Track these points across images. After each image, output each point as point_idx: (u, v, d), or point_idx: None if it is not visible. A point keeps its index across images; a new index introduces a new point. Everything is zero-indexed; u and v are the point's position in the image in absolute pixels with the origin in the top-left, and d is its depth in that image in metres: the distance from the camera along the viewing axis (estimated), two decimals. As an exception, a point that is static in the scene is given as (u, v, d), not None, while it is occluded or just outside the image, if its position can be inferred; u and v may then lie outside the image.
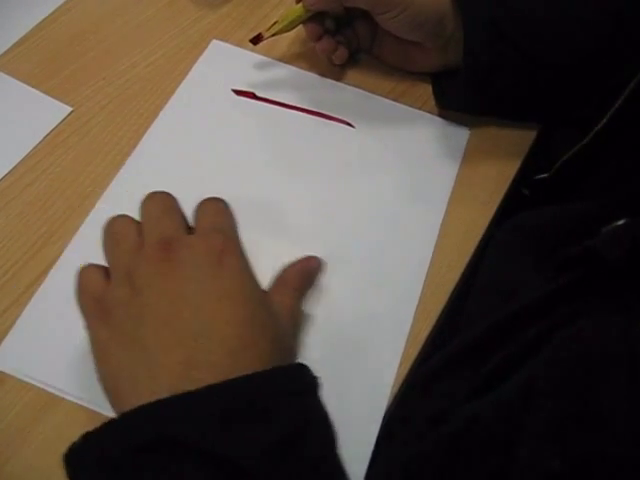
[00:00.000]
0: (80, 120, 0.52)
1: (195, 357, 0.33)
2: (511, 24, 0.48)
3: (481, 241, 0.49)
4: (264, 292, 0.38)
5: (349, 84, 0.56)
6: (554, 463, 0.31)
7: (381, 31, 0.53)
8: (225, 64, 0.56)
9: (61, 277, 0.45)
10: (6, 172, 0.49)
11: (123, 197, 0.48)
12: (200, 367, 0.32)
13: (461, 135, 0.53)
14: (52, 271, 0.45)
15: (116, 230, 0.38)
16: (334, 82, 0.56)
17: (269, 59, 0.57)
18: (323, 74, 0.56)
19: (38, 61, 0.55)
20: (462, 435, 0.37)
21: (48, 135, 0.51)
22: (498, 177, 0.52)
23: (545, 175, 0.54)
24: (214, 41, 0.58)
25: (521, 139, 0.54)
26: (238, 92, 0.54)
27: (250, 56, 0.57)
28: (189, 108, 0.53)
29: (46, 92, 0.53)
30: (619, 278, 0.37)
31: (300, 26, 0.53)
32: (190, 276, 0.35)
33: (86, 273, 0.37)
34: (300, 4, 0.51)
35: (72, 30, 0.57)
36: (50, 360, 0.41)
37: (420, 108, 0.55)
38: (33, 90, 0.53)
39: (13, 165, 0.49)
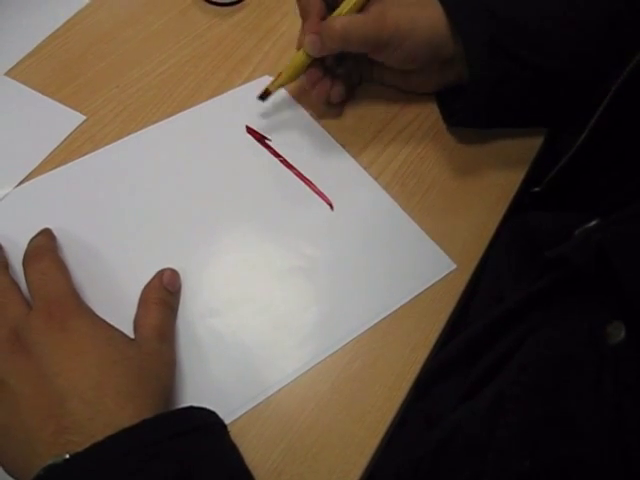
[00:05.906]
0: (94, 128, 0.53)
1: (63, 422, 0.34)
2: (510, 38, 0.48)
3: (489, 245, 0.50)
4: (119, 334, 0.39)
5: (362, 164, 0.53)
6: (524, 464, 0.32)
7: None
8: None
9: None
10: (21, 180, 0.49)
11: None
12: (69, 429, 0.34)
13: (445, 266, 0.48)
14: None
15: None
16: (352, 160, 0.53)
17: (307, 114, 0.55)
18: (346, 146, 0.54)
19: (52, 70, 0.56)
20: (448, 441, 0.38)
21: (62, 143, 0.52)
22: (505, 183, 0.53)
23: (538, 189, 0.55)
24: (266, 76, 0.57)
25: (528, 145, 0.55)
26: (250, 130, 0.53)
27: (289, 101, 0.55)
28: (198, 124, 0.54)
29: (60, 100, 0.54)
30: (588, 281, 0.37)
31: None
32: (41, 354, 0.36)
33: None
34: (301, 52, 0.50)
35: (85, 39, 0.58)
36: None
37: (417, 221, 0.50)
38: (47, 99, 0.54)
39: (27, 173, 0.50)
